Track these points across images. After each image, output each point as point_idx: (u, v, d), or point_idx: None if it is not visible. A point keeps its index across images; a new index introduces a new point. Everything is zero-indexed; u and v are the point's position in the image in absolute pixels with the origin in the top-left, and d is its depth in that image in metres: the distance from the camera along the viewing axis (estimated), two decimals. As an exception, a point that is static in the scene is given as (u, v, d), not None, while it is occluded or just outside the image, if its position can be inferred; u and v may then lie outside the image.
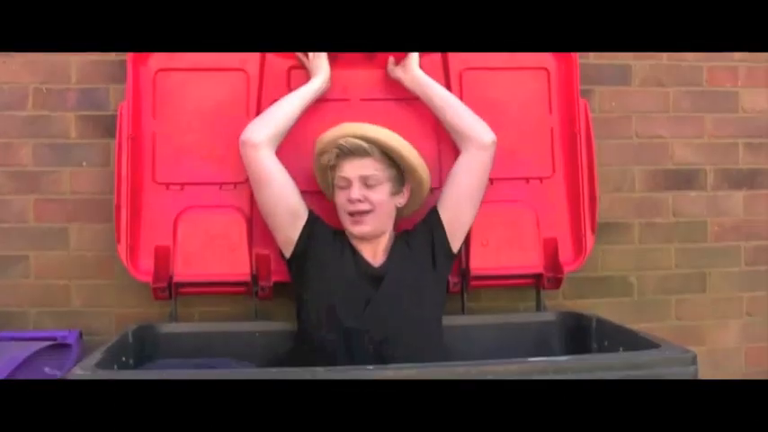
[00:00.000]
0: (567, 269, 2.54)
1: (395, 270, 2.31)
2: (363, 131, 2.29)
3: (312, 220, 2.34)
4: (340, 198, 2.31)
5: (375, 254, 2.35)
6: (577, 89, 2.59)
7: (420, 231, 2.38)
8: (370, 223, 2.30)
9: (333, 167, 2.33)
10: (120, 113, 2.46)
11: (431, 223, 2.38)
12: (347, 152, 2.27)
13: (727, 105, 2.88)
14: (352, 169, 2.28)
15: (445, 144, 2.55)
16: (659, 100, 2.84)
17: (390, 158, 2.30)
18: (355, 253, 2.34)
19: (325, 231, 2.36)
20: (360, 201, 2.27)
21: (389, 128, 2.31)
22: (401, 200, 2.37)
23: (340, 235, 2.37)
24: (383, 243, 2.36)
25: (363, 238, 2.33)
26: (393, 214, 2.37)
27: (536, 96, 2.62)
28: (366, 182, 2.28)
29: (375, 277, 2.30)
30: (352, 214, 2.29)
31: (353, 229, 2.31)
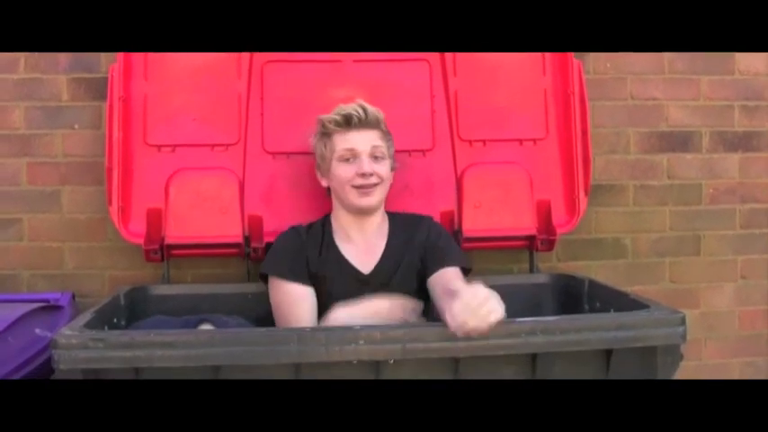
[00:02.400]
0: (560, 231, 2.54)
1: (386, 279, 2.22)
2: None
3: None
4: (344, 171, 2.19)
5: (365, 234, 2.26)
6: (571, 50, 2.57)
7: (416, 259, 2.24)
8: (378, 195, 2.22)
9: (330, 138, 2.22)
10: (112, 75, 2.45)
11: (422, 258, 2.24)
12: (356, 122, 2.18)
13: (723, 67, 2.86)
14: (361, 140, 2.19)
15: (439, 103, 2.56)
16: (655, 61, 2.81)
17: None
18: (341, 258, 2.23)
19: (308, 252, 2.22)
20: (371, 174, 2.17)
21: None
22: (391, 179, 2.31)
23: (320, 231, 2.27)
24: (375, 223, 2.28)
25: (361, 213, 2.24)
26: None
27: (530, 57, 2.60)
28: (374, 153, 2.20)
29: (364, 282, 2.21)
30: (360, 187, 2.18)
31: (360, 201, 2.20)
